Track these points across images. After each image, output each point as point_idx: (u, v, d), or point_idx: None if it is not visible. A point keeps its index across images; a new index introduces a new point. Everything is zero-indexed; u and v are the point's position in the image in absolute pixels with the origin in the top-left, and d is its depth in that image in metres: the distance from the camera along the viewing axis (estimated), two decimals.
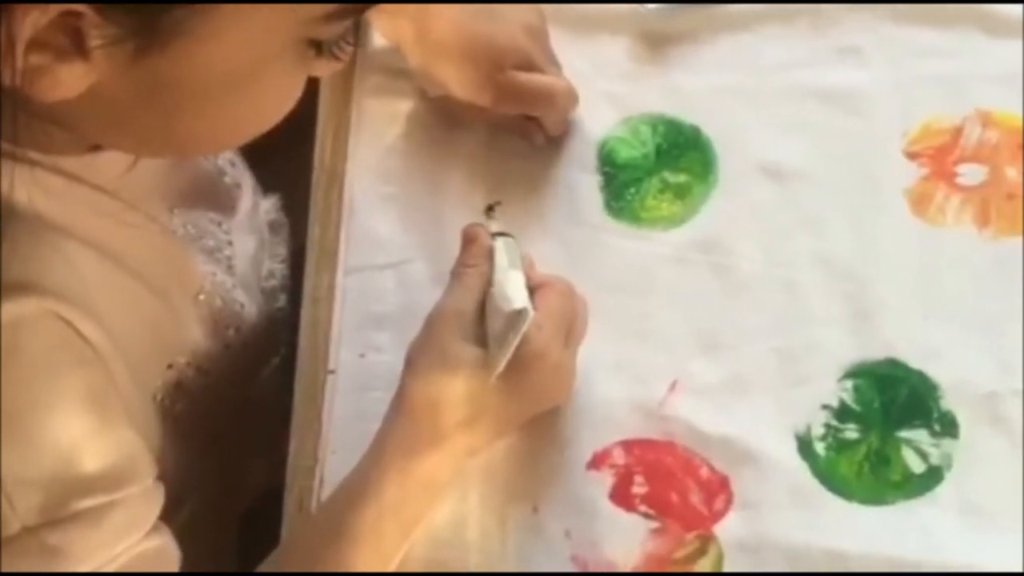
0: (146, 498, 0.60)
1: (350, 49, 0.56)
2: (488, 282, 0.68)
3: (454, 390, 0.66)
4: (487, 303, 0.67)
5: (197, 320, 0.70)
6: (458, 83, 0.77)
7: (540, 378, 0.68)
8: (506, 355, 0.64)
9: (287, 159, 0.82)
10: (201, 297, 0.71)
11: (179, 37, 0.50)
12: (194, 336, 0.70)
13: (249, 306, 0.76)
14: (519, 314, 0.64)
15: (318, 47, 0.55)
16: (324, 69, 0.57)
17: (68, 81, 0.50)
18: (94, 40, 0.49)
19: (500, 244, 0.70)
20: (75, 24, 0.48)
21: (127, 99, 0.52)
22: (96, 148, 0.60)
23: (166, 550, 0.61)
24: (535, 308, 0.65)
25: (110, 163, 0.61)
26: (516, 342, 0.64)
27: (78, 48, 0.49)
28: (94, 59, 0.49)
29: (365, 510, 0.65)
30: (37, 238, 0.56)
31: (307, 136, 0.81)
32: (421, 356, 0.67)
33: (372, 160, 0.80)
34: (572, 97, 0.78)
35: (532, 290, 0.68)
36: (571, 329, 0.69)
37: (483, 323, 0.67)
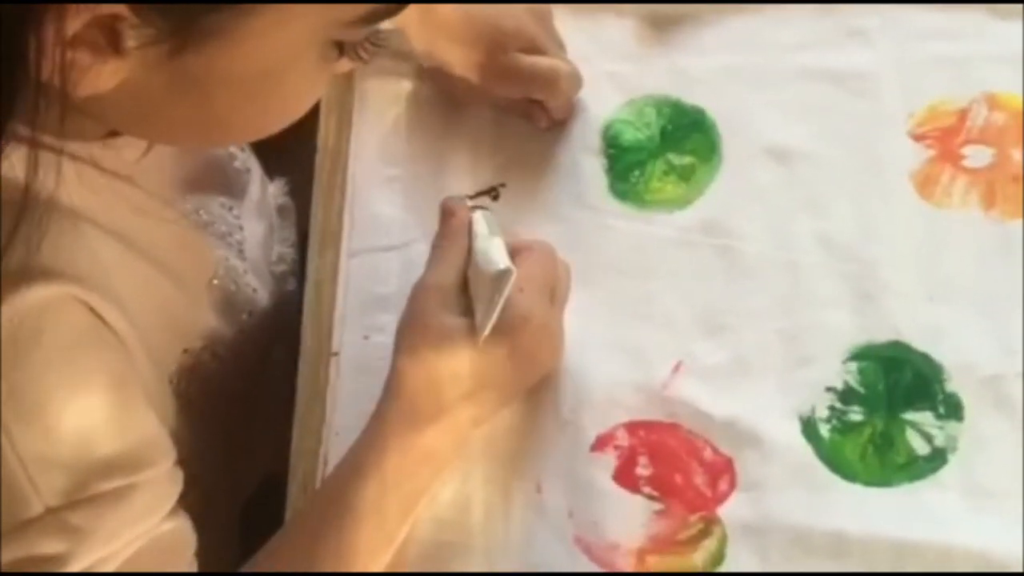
0: (166, 481, 0.60)
1: (374, 50, 0.57)
2: (469, 252, 0.68)
3: (447, 364, 0.66)
4: (470, 272, 0.68)
5: (211, 305, 0.71)
6: (462, 66, 0.77)
7: (528, 341, 0.67)
8: (492, 316, 0.65)
9: (293, 143, 0.82)
10: (215, 282, 0.71)
11: (213, 38, 0.51)
12: (209, 321, 0.71)
13: (261, 290, 0.77)
14: (503, 274, 0.65)
15: (341, 48, 0.56)
16: (346, 67, 0.58)
17: (103, 77, 0.51)
18: (131, 40, 0.50)
19: (479, 215, 0.70)
20: (113, 24, 0.49)
21: (159, 93, 0.53)
22: (113, 133, 0.61)
23: (184, 532, 0.62)
24: (517, 267, 0.65)
25: (126, 149, 0.62)
26: (502, 302, 0.64)
27: (115, 47, 0.50)
28: (130, 57, 0.50)
29: (367, 487, 0.65)
30: (60, 225, 0.56)
31: (312, 120, 0.81)
32: (408, 334, 0.67)
33: (375, 142, 0.80)
34: (576, 80, 0.78)
35: (513, 255, 0.68)
36: (554, 291, 0.69)
37: (466, 293, 0.67)
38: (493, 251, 0.67)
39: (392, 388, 0.67)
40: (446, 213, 0.71)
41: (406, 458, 0.66)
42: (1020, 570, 0.64)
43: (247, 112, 0.56)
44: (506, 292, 0.64)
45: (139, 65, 0.51)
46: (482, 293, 0.66)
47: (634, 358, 0.72)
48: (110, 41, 0.49)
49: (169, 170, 0.69)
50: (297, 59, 0.55)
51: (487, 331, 0.65)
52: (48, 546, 0.55)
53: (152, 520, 0.59)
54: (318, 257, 0.77)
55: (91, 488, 0.56)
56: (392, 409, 0.66)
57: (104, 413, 0.56)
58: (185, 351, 0.69)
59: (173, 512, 0.61)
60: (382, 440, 0.66)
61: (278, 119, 0.59)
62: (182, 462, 0.62)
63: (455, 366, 0.66)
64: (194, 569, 0.62)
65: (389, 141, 0.80)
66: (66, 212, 0.57)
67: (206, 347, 0.70)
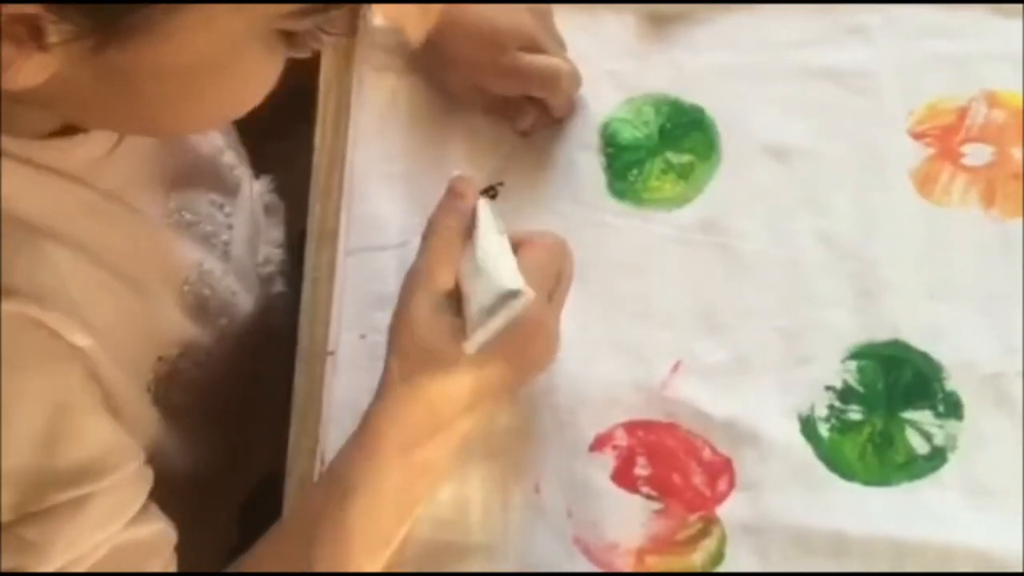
0: (127, 486, 0.60)
1: (329, 38, 0.56)
2: (468, 242, 0.65)
3: (442, 387, 0.63)
4: (467, 266, 0.64)
5: (184, 311, 0.70)
6: (461, 63, 0.76)
7: (524, 342, 0.64)
8: (490, 333, 0.62)
9: (279, 141, 0.82)
10: (186, 288, 0.70)
11: (138, 33, 0.49)
12: (183, 328, 0.69)
13: (243, 294, 0.76)
14: (514, 295, 0.62)
15: (290, 36, 0.55)
16: (303, 53, 0.57)
17: (30, 71, 0.50)
18: (53, 36, 0.49)
19: (485, 205, 0.66)
20: (34, 21, 0.48)
21: (89, 87, 0.52)
22: (64, 132, 0.60)
23: (156, 535, 0.61)
24: (519, 260, 0.63)
25: (84, 148, 0.61)
26: (503, 324, 0.62)
27: (38, 42, 0.49)
28: (55, 52, 0.49)
29: (360, 503, 0.63)
30: (13, 237, 0.56)
31: (298, 117, 0.81)
32: (400, 335, 0.64)
33: (373, 140, 0.79)
34: (576, 79, 0.78)
35: (517, 245, 0.65)
36: (555, 288, 0.67)
37: (460, 286, 0.64)
38: (503, 259, 0.63)
39: (387, 393, 0.64)
40: (453, 193, 0.67)
41: (403, 474, 0.64)
42: (1020, 569, 0.64)
43: (186, 104, 0.55)
44: (513, 316, 0.62)
45: (66, 60, 0.50)
46: (482, 299, 0.63)
47: (633, 357, 0.71)
48: (33, 36, 0.49)
49: (146, 169, 0.68)
50: (239, 51, 0.53)
51: (478, 346, 0.62)
52: (4, 561, 0.55)
53: (115, 526, 0.58)
54: (315, 255, 0.76)
55: (45, 501, 0.56)
56: (388, 414, 0.64)
57: (53, 427, 0.56)
58: (160, 359, 0.68)
59: (142, 515, 0.60)
60: (377, 457, 0.64)
61: (228, 109, 0.58)
62: (174, 468, 0.62)
63: (451, 388, 0.63)
64: (172, 570, 0.62)
65: (387, 139, 0.79)
66: (16, 221, 0.57)
67: (184, 354, 0.69)
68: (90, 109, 0.55)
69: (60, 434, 0.56)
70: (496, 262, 0.63)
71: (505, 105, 0.78)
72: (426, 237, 0.66)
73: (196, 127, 0.61)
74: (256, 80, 0.56)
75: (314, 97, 0.81)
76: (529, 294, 0.62)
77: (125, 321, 0.64)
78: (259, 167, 0.85)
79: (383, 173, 0.79)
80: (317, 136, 0.80)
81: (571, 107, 0.78)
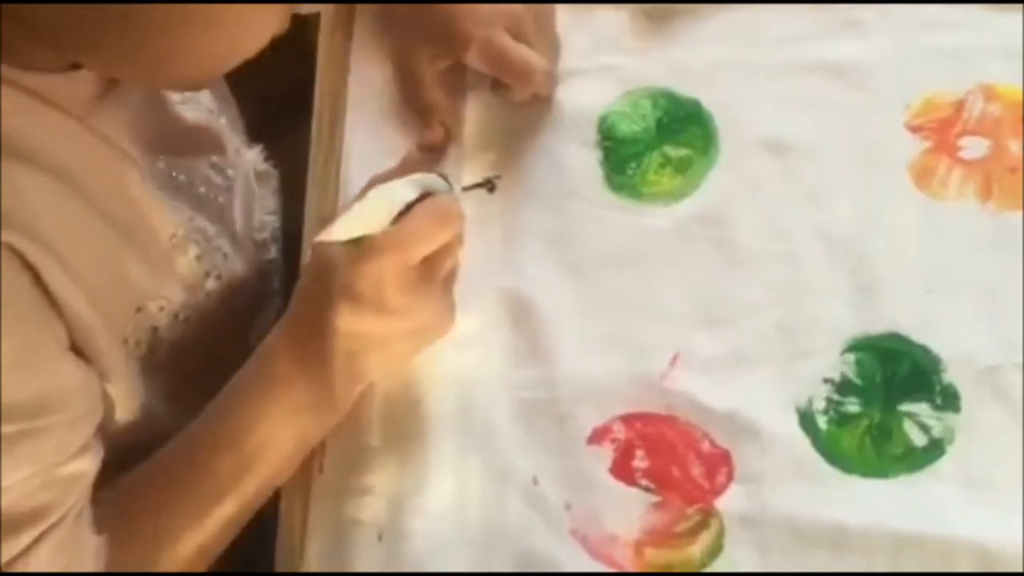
0: (68, 428, 0.61)
1: None
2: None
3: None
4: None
5: (168, 264, 0.70)
6: (440, 19, 0.76)
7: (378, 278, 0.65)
8: (341, 226, 0.64)
9: (273, 111, 0.82)
10: (173, 241, 0.70)
11: None
12: (165, 281, 0.70)
13: (234, 255, 0.76)
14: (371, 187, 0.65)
15: None
16: (303, 7, 0.58)
17: None
18: None
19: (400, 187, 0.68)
20: None
21: (104, 12, 0.53)
22: (74, 69, 0.60)
23: (80, 471, 0.62)
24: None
25: (83, 86, 0.61)
26: (356, 207, 0.65)
27: None
28: None
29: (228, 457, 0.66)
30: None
31: (285, 80, 0.80)
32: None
33: (369, 131, 0.79)
34: (549, 81, 0.78)
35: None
36: (437, 253, 0.67)
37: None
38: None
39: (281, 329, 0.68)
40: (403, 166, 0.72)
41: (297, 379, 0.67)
42: (1019, 556, 0.64)
43: (191, 40, 0.56)
44: (363, 210, 0.64)
45: None
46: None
47: (632, 350, 0.71)
48: None
49: (133, 125, 0.68)
50: None
51: (330, 237, 0.65)
52: None
53: (51, 462, 0.60)
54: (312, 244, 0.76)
55: None
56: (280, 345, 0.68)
57: (8, 361, 0.56)
58: (139, 310, 0.68)
59: (83, 451, 0.62)
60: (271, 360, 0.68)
61: (226, 55, 0.58)
62: (161, 429, 0.63)
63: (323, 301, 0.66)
64: (87, 497, 0.64)
65: (384, 131, 0.79)
66: (8, 147, 0.57)
67: (164, 308, 0.69)
68: (101, 42, 0.55)
69: (9, 368, 0.57)
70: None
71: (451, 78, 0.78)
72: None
73: (196, 72, 0.61)
74: (256, 24, 0.57)
75: (311, 90, 0.82)
76: (378, 193, 0.64)
77: (104, 263, 0.64)
78: (251, 136, 0.86)
79: (380, 164, 0.78)
80: (314, 129, 0.80)
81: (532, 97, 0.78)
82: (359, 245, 0.65)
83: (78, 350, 0.62)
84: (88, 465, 0.63)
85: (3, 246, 0.57)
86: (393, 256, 0.65)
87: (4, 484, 0.58)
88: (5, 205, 0.57)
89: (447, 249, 0.68)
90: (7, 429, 0.57)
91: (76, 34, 0.55)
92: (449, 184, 0.70)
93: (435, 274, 0.68)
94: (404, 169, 0.71)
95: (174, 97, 0.73)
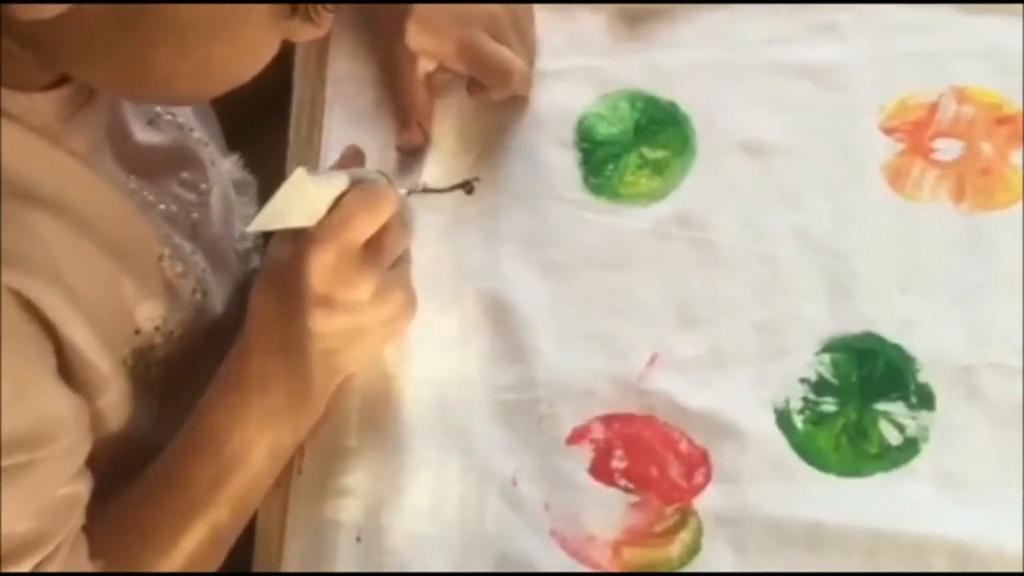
0: (67, 454, 0.61)
1: (329, 16, 0.56)
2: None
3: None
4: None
5: (160, 284, 0.70)
6: (424, 23, 0.76)
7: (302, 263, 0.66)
8: (266, 216, 0.65)
9: (250, 118, 0.81)
10: (160, 259, 0.70)
11: None
12: (158, 299, 0.69)
13: (214, 270, 0.76)
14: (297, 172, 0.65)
15: (294, 8, 0.55)
16: (301, 33, 0.58)
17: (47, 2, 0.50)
18: None
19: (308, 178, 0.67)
20: None
21: (106, 26, 0.53)
22: (56, 84, 0.60)
23: (75, 497, 0.62)
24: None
25: (54, 107, 0.60)
26: (278, 204, 0.65)
27: None
28: None
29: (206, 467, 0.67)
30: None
31: (264, 91, 0.80)
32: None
33: (347, 133, 0.79)
34: (526, 81, 0.78)
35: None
36: (377, 237, 0.67)
37: None
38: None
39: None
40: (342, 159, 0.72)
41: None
42: (993, 554, 0.64)
43: (191, 59, 0.55)
44: (286, 187, 0.64)
45: None
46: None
47: (610, 351, 0.72)
48: None
49: (103, 143, 0.67)
50: (247, 13, 0.54)
51: (258, 226, 0.66)
52: None
53: (49, 490, 0.60)
54: None
55: None
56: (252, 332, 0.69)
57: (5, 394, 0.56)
58: (137, 332, 0.68)
59: (74, 479, 0.62)
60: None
61: (222, 75, 0.58)
62: (157, 444, 0.63)
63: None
64: (80, 523, 0.64)
65: (362, 132, 0.79)
66: (7, 186, 0.57)
67: (160, 328, 0.69)
68: (99, 54, 0.55)
69: (11, 403, 0.56)
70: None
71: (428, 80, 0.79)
72: None
73: (190, 90, 0.60)
74: (255, 50, 0.57)
75: (288, 95, 0.82)
76: (301, 174, 0.64)
77: (103, 288, 0.64)
78: (228, 143, 0.85)
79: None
80: (292, 134, 0.80)
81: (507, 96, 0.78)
82: (300, 238, 0.66)
83: (72, 376, 0.62)
84: (83, 490, 0.63)
85: (3, 288, 0.56)
86: (333, 243, 0.66)
87: (4, 516, 0.57)
88: (5, 243, 0.56)
89: (386, 232, 0.68)
90: (7, 462, 0.57)
91: (81, 41, 0.54)
92: (388, 179, 0.71)
93: (381, 257, 0.68)
94: (341, 165, 0.71)
95: (139, 119, 0.72)
